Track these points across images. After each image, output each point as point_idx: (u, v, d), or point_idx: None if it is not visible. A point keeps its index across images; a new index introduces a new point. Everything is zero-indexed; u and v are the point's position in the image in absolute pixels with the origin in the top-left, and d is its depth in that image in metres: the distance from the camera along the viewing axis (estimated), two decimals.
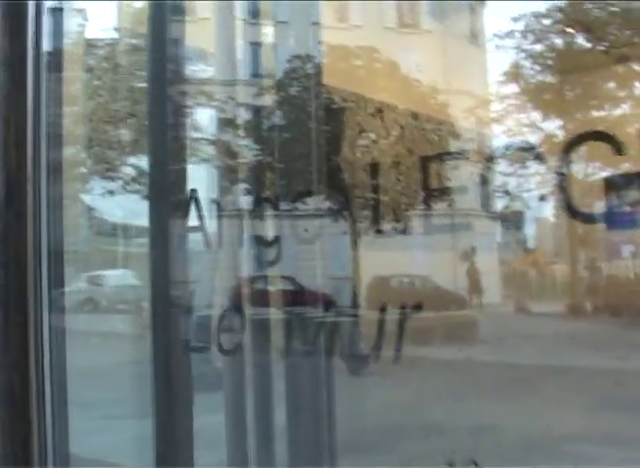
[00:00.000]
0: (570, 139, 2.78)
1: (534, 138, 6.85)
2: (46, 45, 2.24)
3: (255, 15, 8.38)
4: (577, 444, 2.87)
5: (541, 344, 5.68)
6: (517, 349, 5.51)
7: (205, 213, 3.47)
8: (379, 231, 6.24)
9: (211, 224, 6.56)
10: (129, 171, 6.92)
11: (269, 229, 7.06)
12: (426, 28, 8.44)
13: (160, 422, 2.08)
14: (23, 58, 2.10)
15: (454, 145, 6.73)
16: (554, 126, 6.80)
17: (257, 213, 6.95)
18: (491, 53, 7.33)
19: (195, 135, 7.08)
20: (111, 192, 7.04)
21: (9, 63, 2.08)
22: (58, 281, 2.38)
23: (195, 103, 7.07)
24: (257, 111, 7.43)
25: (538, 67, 6.44)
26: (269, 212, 7.12)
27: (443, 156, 4.57)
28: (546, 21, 6.08)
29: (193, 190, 3.35)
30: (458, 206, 5.54)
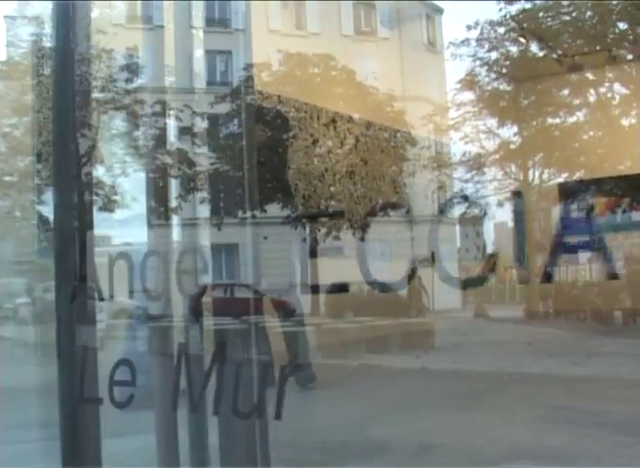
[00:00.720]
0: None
1: (490, 145, 6.94)
2: None
3: (211, 23, 8.36)
4: (521, 463, 2.85)
5: (499, 351, 5.71)
6: (473, 356, 5.52)
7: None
8: (336, 238, 6.25)
9: (170, 232, 6.49)
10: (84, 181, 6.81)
11: (228, 237, 7.02)
12: (383, 36, 8.50)
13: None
14: None
15: (410, 153, 6.78)
16: (510, 133, 6.90)
17: (215, 220, 6.91)
18: (447, 60, 7.42)
19: (151, 143, 7.01)
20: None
21: None
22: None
23: (152, 112, 7.00)
24: (214, 119, 7.40)
25: (493, 75, 6.52)
26: (227, 219, 7.08)
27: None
28: (501, 30, 6.17)
29: None
30: (415, 212, 5.57)
